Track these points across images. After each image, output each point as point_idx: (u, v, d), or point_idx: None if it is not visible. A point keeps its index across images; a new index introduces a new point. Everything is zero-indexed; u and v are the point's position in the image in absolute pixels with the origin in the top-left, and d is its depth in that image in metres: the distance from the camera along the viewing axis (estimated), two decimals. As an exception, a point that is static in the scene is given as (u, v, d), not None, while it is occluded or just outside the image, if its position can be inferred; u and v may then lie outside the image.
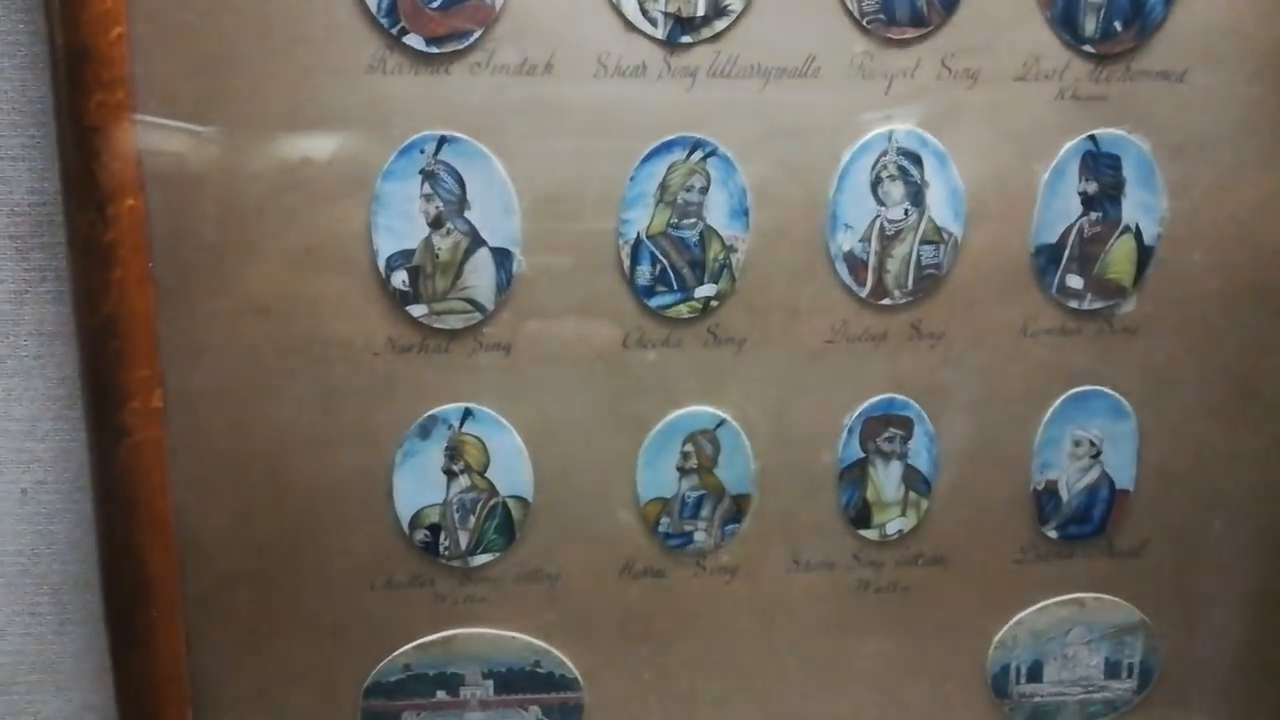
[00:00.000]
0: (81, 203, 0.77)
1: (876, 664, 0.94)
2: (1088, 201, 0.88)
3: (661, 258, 0.84)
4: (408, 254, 0.82)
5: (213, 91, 0.78)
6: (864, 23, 0.82)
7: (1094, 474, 0.92)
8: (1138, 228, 0.88)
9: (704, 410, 0.87)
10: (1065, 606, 0.95)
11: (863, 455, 0.90)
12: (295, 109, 0.79)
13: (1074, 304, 0.89)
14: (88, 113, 0.76)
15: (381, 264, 0.81)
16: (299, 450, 0.84)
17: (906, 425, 0.90)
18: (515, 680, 0.89)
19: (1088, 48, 0.85)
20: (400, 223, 0.81)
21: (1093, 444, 0.92)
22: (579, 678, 0.90)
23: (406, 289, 0.82)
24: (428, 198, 0.81)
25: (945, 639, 0.94)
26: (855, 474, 0.90)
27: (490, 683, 0.89)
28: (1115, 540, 0.94)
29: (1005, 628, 0.95)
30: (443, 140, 0.80)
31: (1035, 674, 0.96)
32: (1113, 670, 0.97)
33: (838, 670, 0.94)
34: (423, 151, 0.80)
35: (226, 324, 0.81)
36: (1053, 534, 0.93)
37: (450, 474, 0.85)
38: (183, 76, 0.78)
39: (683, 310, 0.85)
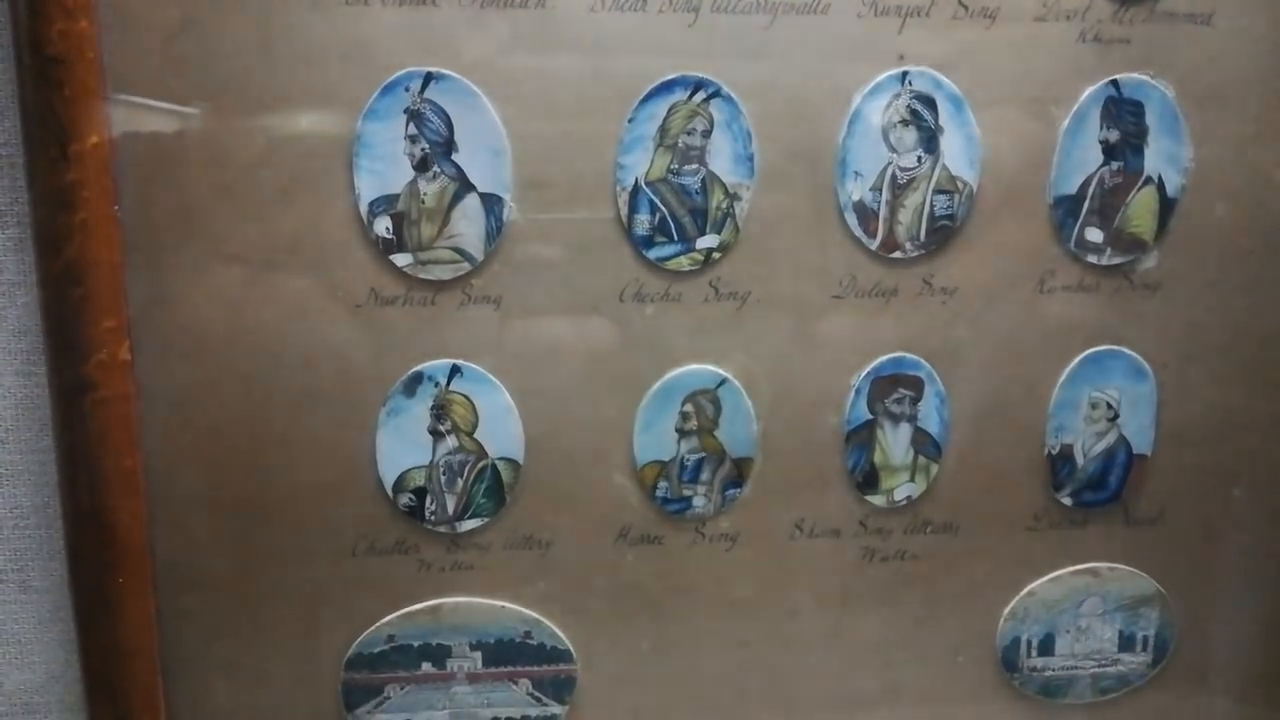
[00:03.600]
0: (42, 140, 0.73)
1: (882, 636, 0.91)
2: (1109, 150, 0.84)
3: (661, 206, 0.80)
4: (391, 199, 0.77)
5: (183, 22, 0.74)
6: (877, -44, 0.78)
7: (1111, 438, 0.89)
8: (1160, 179, 0.84)
9: (705, 369, 0.83)
10: (1079, 576, 0.91)
11: (870, 417, 0.86)
12: (271, 41, 0.74)
13: (1093, 259, 0.85)
14: (49, 42, 0.71)
15: (363, 209, 0.77)
16: (276, 408, 0.80)
17: (916, 385, 0.86)
18: (505, 651, 0.85)
19: (1111, -14, 0.81)
20: (383, 165, 0.76)
21: (1110, 406, 0.88)
22: (571, 649, 0.86)
23: (390, 237, 0.77)
24: (413, 139, 0.76)
25: (954, 610, 0.91)
26: (863, 436, 0.86)
27: (478, 654, 0.85)
28: (1132, 507, 0.91)
29: (1016, 598, 0.91)
30: (429, 77, 0.76)
31: (1047, 647, 0.92)
32: (1127, 643, 0.93)
33: (842, 642, 0.90)
34: (407, 89, 0.76)
35: (198, 272, 0.77)
36: (1067, 501, 0.89)
37: (437, 434, 0.81)
38: (151, 5, 0.73)
39: (683, 262, 0.81)
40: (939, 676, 0.92)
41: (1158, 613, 0.93)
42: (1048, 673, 0.93)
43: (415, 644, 0.84)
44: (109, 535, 0.78)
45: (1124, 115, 0.83)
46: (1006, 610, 0.91)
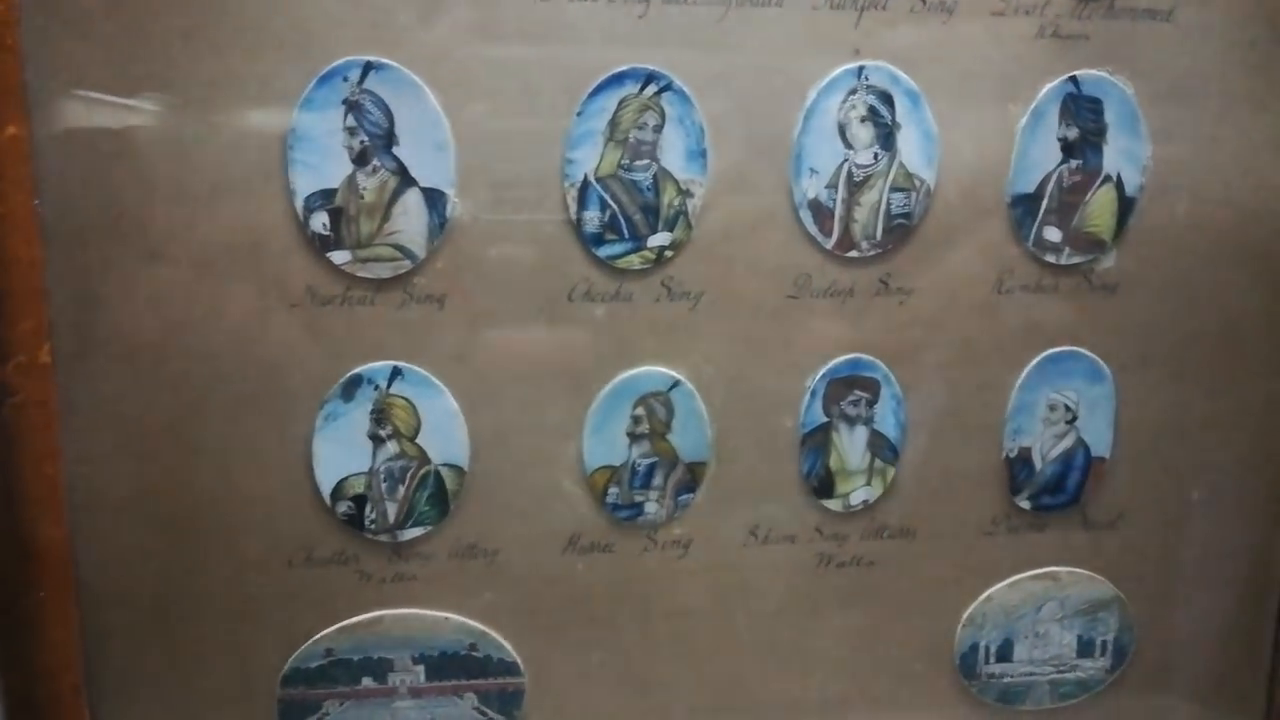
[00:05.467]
0: (-46, 130, 0.69)
1: (839, 643, 0.89)
2: (1067, 148, 0.82)
3: (611, 202, 0.77)
4: (329, 194, 0.74)
5: (107, 8, 0.70)
6: (833, -53, 0.76)
7: (1069, 440, 0.87)
8: (1119, 177, 0.83)
9: (657, 370, 0.81)
10: (1038, 581, 0.90)
11: (826, 420, 0.84)
12: (201, 27, 0.71)
13: (1051, 258, 0.84)
14: (-40, 25, 0.67)
15: (299, 205, 0.74)
16: (208, 412, 0.76)
17: (873, 387, 0.84)
18: (449, 665, 0.82)
19: (1070, -19, 0.79)
20: (320, 159, 0.73)
21: (1068, 408, 0.87)
22: (519, 662, 0.84)
23: (327, 233, 0.74)
24: (351, 131, 0.73)
25: (911, 616, 0.89)
26: (818, 440, 0.84)
27: (421, 668, 0.82)
28: (1090, 511, 0.89)
29: (974, 604, 0.89)
30: (368, 66, 0.73)
31: (1005, 653, 0.91)
32: (1085, 648, 0.92)
33: (798, 650, 0.88)
34: (345, 79, 0.72)
35: (124, 271, 0.73)
36: (1025, 504, 0.88)
37: (377, 439, 0.78)
38: (73, -13, 0.69)
39: (634, 260, 0.78)
40: (896, 684, 0.91)
41: (1116, 617, 0.92)
42: (1006, 679, 0.92)
43: (355, 658, 0.81)
44: (29, 548, 0.74)
45: (1083, 112, 0.82)
46: (964, 616, 0.90)
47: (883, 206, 0.80)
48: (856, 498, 0.86)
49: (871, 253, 0.81)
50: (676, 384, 0.81)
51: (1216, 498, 0.91)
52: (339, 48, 0.72)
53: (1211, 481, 0.90)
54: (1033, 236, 0.83)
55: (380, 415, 0.78)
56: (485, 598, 0.82)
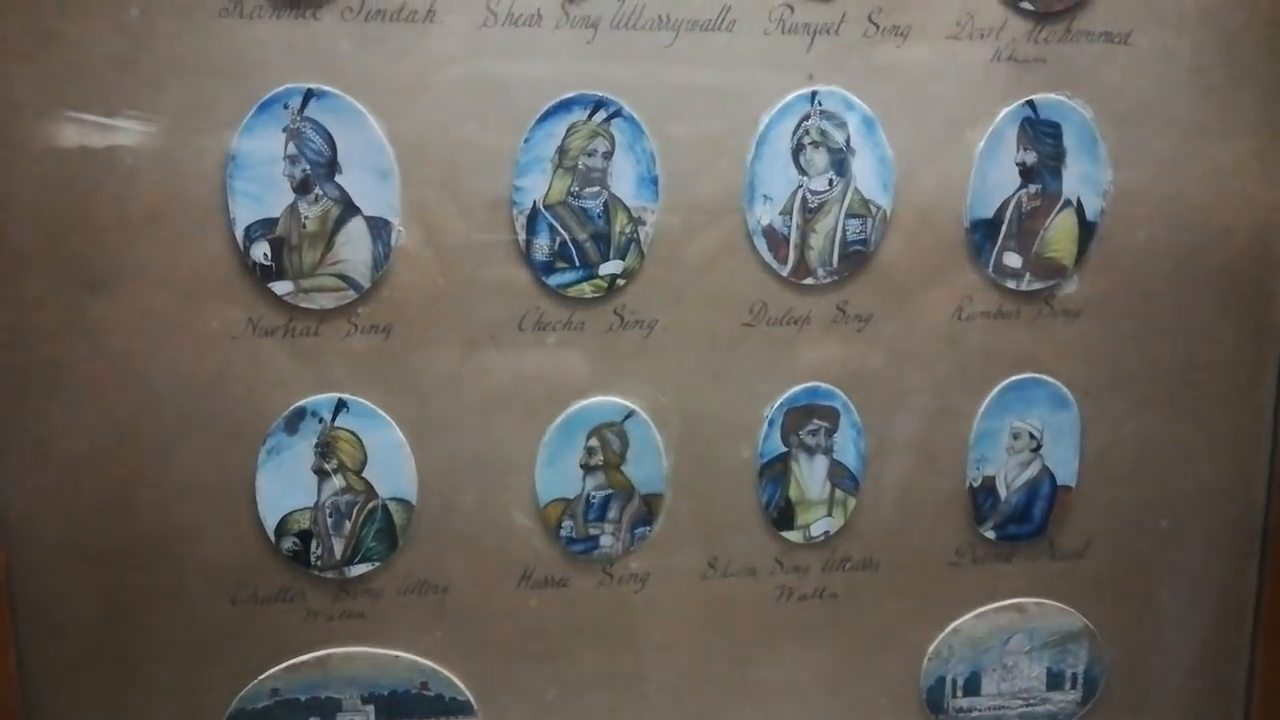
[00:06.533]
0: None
1: (801, 678, 0.87)
2: (1026, 173, 0.81)
3: (561, 230, 0.76)
4: (270, 223, 0.73)
5: (43, 34, 0.69)
6: (783, -30, 0.75)
7: (1034, 469, 0.86)
8: (1079, 202, 0.82)
9: (610, 401, 0.79)
10: (1004, 613, 0.88)
11: (785, 449, 0.82)
12: (138, 55, 0.70)
13: (1012, 284, 0.82)
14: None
15: (239, 234, 0.72)
16: (148, 446, 0.75)
17: (832, 416, 0.82)
18: (400, 704, 0.81)
19: (1025, 4, 0.78)
20: (261, 188, 0.72)
21: (1032, 436, 0.85)
22: (471, 700, 0.82)
23: (269, 263, 0.73)
24: (292, 159, 0.72)
25: (876, 650, 0.87)
26: (777, 470, 0.82)
27: (371, 708, 0.80)
28: (1057, 540, 0.88)
29: (940, 637, 0.88)
30: (309, 94, 0.71)
31: (972, 686, 0.89)
32: (1055, 681, 0.90)
33: (759, 685, 0.86)
34: (286, 106, 0.71)
35: (58, 301, 0.72)
36: (990, 534, 0.86)
37: (322, 474, 0.77)
38: (7, 16, 0.68)
39: (585, 289, 0.77)
40: (863, 719, 0.88)
41: (1086, 649, 0.90)
42: (974, 713, 0.90)
43: (302, 698, 0.79)
44: (-37, 586, 0.73)
45: (1041, 137, 0.81)
46: (930, 649, 0.88)
47: (838, 233, 0.79)
48: (817, 529, 0.84)
49: (828, 280, 0.80)
50: (631, 414, 0.80)
51: (1186, 525, 0.89)
52: (279, 74, 0.71)
53: (1181, 508, 0.89)
54: (992, 262, 0.82)
55: (325, 449, 0.76)
56: (436, 635, 0.81)
